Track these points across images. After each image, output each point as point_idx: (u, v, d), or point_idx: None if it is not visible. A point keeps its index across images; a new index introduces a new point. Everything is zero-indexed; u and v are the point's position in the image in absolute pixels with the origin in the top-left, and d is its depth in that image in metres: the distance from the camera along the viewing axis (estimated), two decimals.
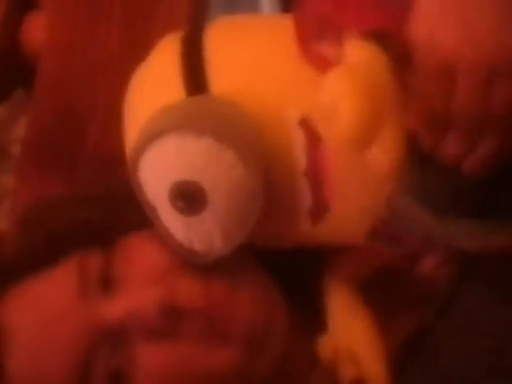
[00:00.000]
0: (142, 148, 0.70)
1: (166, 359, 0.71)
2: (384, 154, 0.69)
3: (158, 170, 0.70)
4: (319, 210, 0.73)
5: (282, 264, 0.78)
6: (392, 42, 0.71)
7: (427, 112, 0.72)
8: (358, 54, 0.71)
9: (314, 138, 0.72)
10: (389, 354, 0.75)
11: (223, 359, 0.72)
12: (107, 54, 0.83)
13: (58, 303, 0.73)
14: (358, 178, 0.73)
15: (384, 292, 0.80)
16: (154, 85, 0.77)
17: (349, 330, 0.77)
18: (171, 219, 0.71)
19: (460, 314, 0.75)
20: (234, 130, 0.70)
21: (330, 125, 0.71)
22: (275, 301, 0.76)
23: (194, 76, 0.74)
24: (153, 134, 0.69)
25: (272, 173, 0.71)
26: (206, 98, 0.73)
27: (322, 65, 0.72)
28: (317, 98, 0.72)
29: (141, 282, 0.73)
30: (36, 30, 0.98)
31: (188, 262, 0.73)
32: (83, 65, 0.82)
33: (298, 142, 0.72)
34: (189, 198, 0.69)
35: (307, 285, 0.80)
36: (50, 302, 0.74)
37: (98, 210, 0.80)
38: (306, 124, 0.72)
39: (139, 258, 0.75)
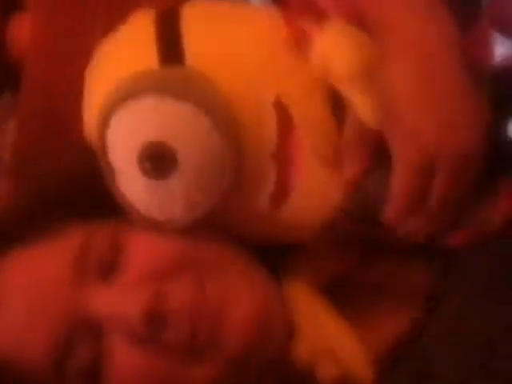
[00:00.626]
0: (115, 106, 0.69)
1: (140, 364, 0.70)
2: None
3: (131, 129, 0.69)
4: (281, 193, 0.74)
5: None
6: None
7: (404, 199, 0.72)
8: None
9: (286, 121, 0.73)
10: (376, 355, 0.76)
11: (198, 376, 0.71)
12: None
13: (52, 277, 0.71)
14: (323, 166, 0.74)
15: (369, 294, 0.80)
16: (127, 53, 0.76)
17: (323, 330, 0.76)
18: (133, 182, 0.70)
19: (448, 314, 0.75)
20: (212, 100, 0.70)
21: (305, 108, 0.73)
22: (274, 312, 0.75)
23: (170, 46, 0.74)
24: (130, 93, 0.69)
25: (241, 151, 0.71)
26: (182, 67, 0.73)
27: (303, 37, 0.73)
28: (292, 82, 0.74)
29: (135, 280, 0.71)
30: (21, 31, 0.95)
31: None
32: (68, 66, 0.81)
33: (270, 123, 0.73)
34: (158, 159, 0.69)
35: None
36: (44, 275, 0.72)
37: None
38: (279, 106, 0.73)
39: (139, 250, 0.73)
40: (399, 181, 0.70)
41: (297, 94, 0.74)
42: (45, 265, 0.72)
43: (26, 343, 0.71)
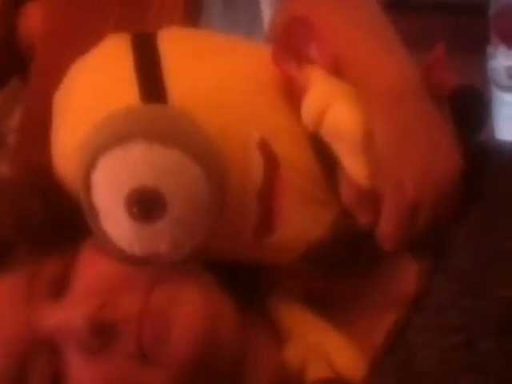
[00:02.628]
0: (103, 149, 0.68)
1: (95, 375, 0.71)
2: None
3: (120, 173, 0.69)
4: (263, 229, 0.75)
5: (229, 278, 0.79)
6: None
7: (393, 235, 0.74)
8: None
9: (271, 162, 0.74)
10: (366, 354, 0.78)
11: (154, 381, 0.72)
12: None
13: (5, 305, 0.72)
14: (306, 205, 0.76)
15: (359, 297, 0.83)
16: (105, 85, 0.75)
17: (312, 332, 0.79)
18: (119, 224, 0.71)
19: (432, 309, 0.77)
20: (199, 144, 0.70)
21: (289, 147, 0.74)
22: (222, 318, 0.75)
23: (151, 81, 0.74)
24: (118, 136, 0.68)
25: (227, 191, 0.72)
26: (166, 107, 0.73)
27: (291, 81, 0.74)
28: (277, 122, 0.75)
29: (82, 294, 0.72)
30: (32, 18, 0.96)
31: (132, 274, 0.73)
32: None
33: (255, 162, 0.74)
34: (147, 204, 0.69)
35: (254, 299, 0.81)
36: None
37: (45, 202, 0.76)
38: (265, 146, 0.74)
39: (87, 266, 0.74)
40: (389, 223, 0.73)
41: (282, 134, 0.75)
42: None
43: None
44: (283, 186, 0.74)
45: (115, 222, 0.71)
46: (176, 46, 0.77)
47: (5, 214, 0.76)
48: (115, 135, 0.69)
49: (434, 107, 0.75)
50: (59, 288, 0.73)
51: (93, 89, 0.76)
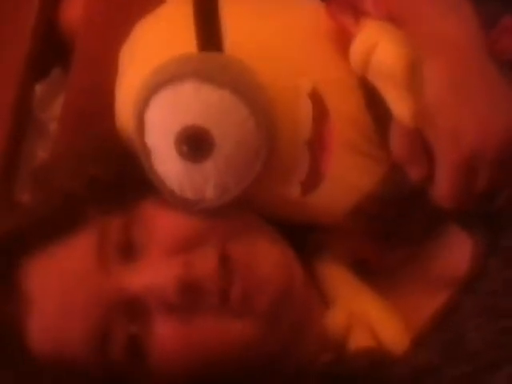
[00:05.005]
0: (156, 88, 0.71)
1: (181, 331, 0.72)
2: None
3: (171, 112, 0.71)
4: (312, 181, 0.76)
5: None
6: None
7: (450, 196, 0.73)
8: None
9: (321, 111, 0.74)
10: (412, 328, 0.78)
11: (239, 332, 0.73)
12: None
13: (79, 270, 0.74)
14: (355, 156, 0.76)
15: (409, 270, 0.83)
16: (166, 36, 0.78)
17: (358, 298, 0.79)
18: (169, 163, 0.72)
19: (486, 293, 0.77)
20: (250, 87, 0.71)
21: (340, 99, 0.74)
22: (295, 269, 0.77)
23: (208, 32, 0.75)
24: (172, 76, 0.70)
25: (276, 138, 0.73)
26: (221, 54, 0.75)
27: (344, 31, 0.75)
28: (330, 74, 0.75)
29: (160, 254, 0.74)
30: (73, 9, 0.99)
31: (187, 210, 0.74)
32: (119, 42, 0.82)
33: (305, 111, 0.74)
34: (196, 143, 0.70)
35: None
36: (70, 269, 0.74)
37: (107, 166, 0.79)
38: (315, 96, 0.74)
39: (158, 227, 0.75)
40: (443, 181, 0.72)
41: (333, 84, 0.75)
42: (68, 259, 0.75)
43: (65, 337, 0.73)
44: (332, 135, 0.75)
45: (166, 161, 0.73)
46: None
47: (72, 178, 0.78)
48: (167, 75, 0.71)
49: (496, 70, 0.73)
50: (129, 249, 0.74)
51: (154, 40, 0.79)
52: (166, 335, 0.73)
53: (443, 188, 0.72)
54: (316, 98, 0.74)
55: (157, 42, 0.78)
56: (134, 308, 0.73)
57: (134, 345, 0.73)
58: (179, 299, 0.71)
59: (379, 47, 0.71)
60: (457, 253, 0.82)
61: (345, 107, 0.75)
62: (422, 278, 0.82)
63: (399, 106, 0.72)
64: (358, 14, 0.74)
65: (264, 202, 0.78)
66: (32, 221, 0.77)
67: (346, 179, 0.76)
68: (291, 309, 0.75)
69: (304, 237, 0.82)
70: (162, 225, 0.75)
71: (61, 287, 0.74)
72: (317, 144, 0.74)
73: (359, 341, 0.78)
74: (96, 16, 0.96)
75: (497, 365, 0.72)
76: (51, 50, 1.01)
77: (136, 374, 0.74)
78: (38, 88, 1.03)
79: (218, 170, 0.72)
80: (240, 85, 0.71)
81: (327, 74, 0.76)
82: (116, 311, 0.73)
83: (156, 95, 0.71)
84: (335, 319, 0.79)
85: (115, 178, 0.78)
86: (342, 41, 0.75)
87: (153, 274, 0.72)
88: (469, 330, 0.75)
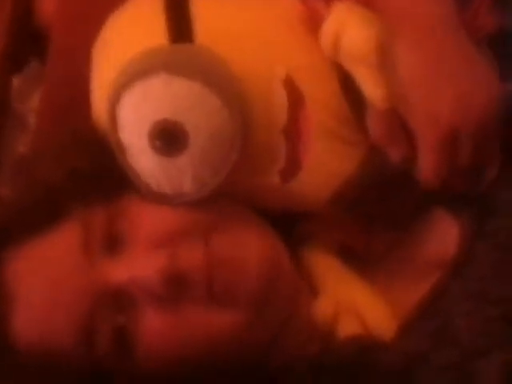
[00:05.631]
0: (126, 84, 0.69)
1: (168, 322, 0.72)
2: None
3: (142, 107, 0.69)
4: (291, 168, 0.75)
5: None
6: None
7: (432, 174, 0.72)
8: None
9: (296, 98, 0.73)
10: (399, 314, 0.77)
11: (226, 323, 0.73)
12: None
13: (63, 262, 0.73)
14: (333, 142, 0.75)
15: (396, 255, 0.82)
16: (136, 29, 0.77)
17: (345, 286, 0.79)
18: (144, 158, 0.71)
19: (474, 278, 0.76)
20: (221, 78, 0.70)
21: (315, 85, 0.73)
22: (282, 259, 0.77)
23: (179, 23, 0.74)
24: (141, 71, 0.69)
25: (251, 126, 0.72)
26: (192, 45, 0.73)
27: (316, 16, 0.73)
28: (303, 60, 0.74)
29: (145, 247, 0.73)
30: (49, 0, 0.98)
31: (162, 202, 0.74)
32: (94, 34, 0.81)
33: (280, 99, 0.73)
34: (169, 137, 0.69)
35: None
36: (54, 262, 0.73)
37: (89, 158, 0.78)
38: (290, 83, 0.73)
39: (143, 220, 0.74)
40: (425, 160, 0.71)
41: (307, 71, 0.74)
42: (53, 252, 0.74)
43: (51, 327, 0.72)
44: (309, 123, 0.74)
45: (141, 157, 0.72)
46: None
47: (55, 169, 0.77)
48: (137, 70, 0.70)
49: (474, 46, 0.72)
50: (114, 242, 0.73)
51: (125, 33, 0.77)
52: (153, 326, 0.72)
53: (426, 167, 0.71)
54: (290, 86, 0.73)
55: (128, 34, 0.77)
56: (120, 300, 0.72)
57: (121, 337, 0.72)
58: (165, 290, 0.71)
59: (347, 29, 0.70)
60: (444, 237, 0.81)
61: (320, 93, 0.74)
62: (409, 264, 0.82)
63: (371, 87, 0.71)
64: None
65: (246, 192, 0.77)
66: (14, 213, 0.76)
67: (325, 165, 0.75)
68: (278, 299, 0.75)
69: (290, 227, 0.81)
70: (146, 218, 0.74)
71: (46, 280, 0.73)
72: (293, 132, 0.73)
73: (347, 328, 0.77)
74: (70, 8, 0.95)
75: (485, 352, 0.71)
76: (28, 43, 1.01)
77: (123, 366, 0.73)
78: (16, 80, 1.02)
79: (193, 163, 0.71)
80: (211, 76, 0.69)
81: (301, 60, 0.75)
82: (102, 304, 0.72)
83: (126, 91, 0.70)
84: (322, 308, 0.78)
85: (97, 169, 0.77)
86: (315, 26, 0.74)
87: (138, 266, 0.72)
88: (456, 316, 0.74)
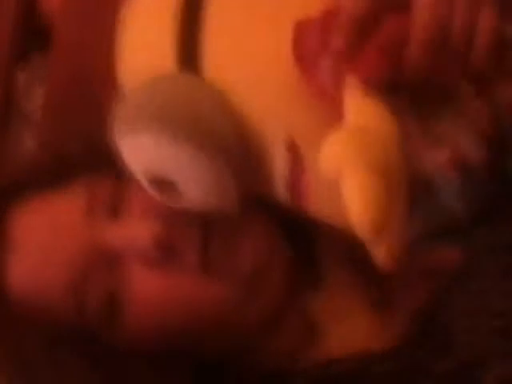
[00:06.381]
0: (119, 134, 0.69)
1: (158, 285, 0.74)
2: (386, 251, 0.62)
3: (133, 156, 0.70)
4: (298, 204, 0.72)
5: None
6: None
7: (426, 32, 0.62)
8: (367, 115, 0.61)
9: (298, 161, 0.68)
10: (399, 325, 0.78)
11: (216, 294, 0.74)
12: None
13: (66, 219, 0.76)
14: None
15: None
16: (146, 42, 0.72)
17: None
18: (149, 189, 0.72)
19: (476, 293, 0.76)
20: (219, 140, 0.67)
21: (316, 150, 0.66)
22: (278, 249, 0.78)
23: (189, 48, 0.70)
24: (130, 126, 0.68)
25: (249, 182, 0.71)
26: (191, 81, 0.69)
27: (319, 93, 0.65)
28: (307, 126, 0.68)
29: (146, 216, 0.75)
30: None
31: None
32: (97, 27, 0.77)
33: (281, 158, 0.69)
34: (162, 185, 0.70)
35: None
36: (57, 219, 0.76)
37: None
38: (293, 148, 0.68)
39: (147, 193, 0.74)
40: (419, 13, 0.62)
41: (309, 137, 0.68)
42: (57, 208, 0.77)
43: (45, 280, 0.75)
44: (309, 182, 0.69)
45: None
46: (221, 12, 0.70)
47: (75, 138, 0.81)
48: (128, 124, 0.68)
49: None
50: (117, 208, 0.76)
51: (137, 34, 0.73)
52: (143, 288, 0.74)
53: (418, 22, 0.61)
54: (293, 150, 0.68)
55: (139, 37, 0.73)
56: (112, 262, 0.75)
57: (111, 299, 0.75)
58: (157, 253, 0.73)
59: (346, 185, 0.59)
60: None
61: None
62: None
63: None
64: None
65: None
66: (27, 168, 0.82)
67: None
68: (270, 287, 0.76)
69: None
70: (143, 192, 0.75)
71: (46, 235, 0.76)
72: (295, 187, 0.70)
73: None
74: (74, 3, 0.91)
75: (483, 365, 0.73)
76: (32, 38, 0.99)
77: (109, 330, 0.75)
78: (21, 76, 1.03)
79: (191, 203, 0.71)
80: (206, 139, 0.66)
81: (305, 120, 0.68)
82: (95, 264, 0.74)
83: (121, 139, 0.69)
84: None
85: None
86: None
87: (133, 228, 0.74)
88: (456, 331, 0.75)
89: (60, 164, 0.81)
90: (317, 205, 0.70)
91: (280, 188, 0.71)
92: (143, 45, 0.73)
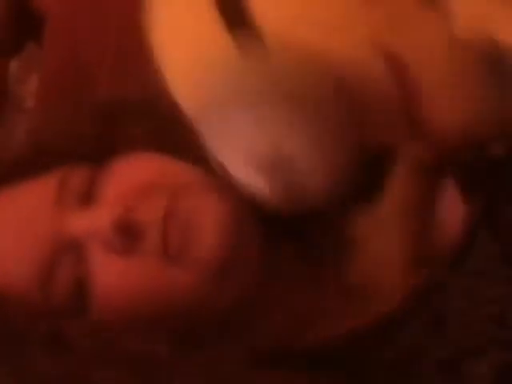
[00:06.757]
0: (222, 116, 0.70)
1: (121, 270, 0.74)
2: None
3: (245, 138, 0.70)
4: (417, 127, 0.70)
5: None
6: None
7: None
8: None
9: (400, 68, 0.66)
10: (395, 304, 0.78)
11: (181, 282, 0.74)
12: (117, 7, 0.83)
13: (33, 209, 0.77)
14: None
15: None
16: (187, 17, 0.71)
17: None
18: None
19: (471, 273, 0.76)
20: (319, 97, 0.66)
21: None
22: (249, 236, 0.77)
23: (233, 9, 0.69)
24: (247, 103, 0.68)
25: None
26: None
27: None
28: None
29: (109, 200, 0.76)
30: None
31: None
32: (92, 15, 0.79)
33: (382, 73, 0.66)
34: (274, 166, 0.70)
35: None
36: (25, 208, 0.77)
37: (95, 124, 0.80)
38: (390, 57, 0.66)
39: (114, 177, 0.77)
40: None
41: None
42: (27, 197, 0.78)
43: (11, 268, 0.76)
44: (420, 82, 0.67)
45: None
46: None
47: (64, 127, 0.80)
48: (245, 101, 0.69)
49: None
50: (87, 198, 0.76)
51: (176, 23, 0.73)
52: (107, 274, 0.75)
53: None
54: (391, 58, 0.66)
55: (179, 25, 0.72)
56: (77, 250, 0.75)
57: (77, 287, 0.75)
58: (117, 239, 0.74)
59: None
60: (449, 216, 0.80)
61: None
62: None
63: None
64: None
65: None
66: (8, 158, 0.82)
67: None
68: (243, 272, 0.76)
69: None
70: (116, 176, 0.77)
71: (13, 223, 0.77)
72: (407, 97, 0.67)
73: None
74: None
75: (478, 352, 0.74)
76: (25, 25, 0.98)
77: (77, 318, 0.76)
78: (13, 64, 0.99)
79: (310, 177, 0.71)
80: (314, 103, 0.66)
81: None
82: (61, 253, 0.75)
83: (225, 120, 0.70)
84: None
85: (92, 135, 0.81)
86: None
87: (94, 216, 0.75)
88: (449, 312, 0.76)
89: (39, 154, 0.81)
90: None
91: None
92: (184, 19, 0.72)
